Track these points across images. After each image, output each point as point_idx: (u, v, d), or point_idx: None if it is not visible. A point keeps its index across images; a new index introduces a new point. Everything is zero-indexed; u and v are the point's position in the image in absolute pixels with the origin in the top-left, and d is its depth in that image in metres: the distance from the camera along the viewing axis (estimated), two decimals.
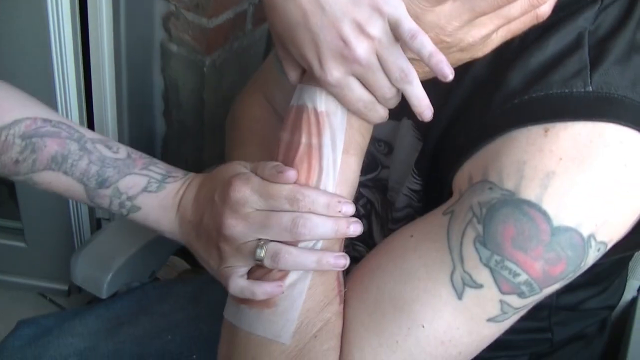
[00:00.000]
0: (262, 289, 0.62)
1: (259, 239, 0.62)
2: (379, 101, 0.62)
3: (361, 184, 0.84)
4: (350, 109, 0.62)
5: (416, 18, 0.57)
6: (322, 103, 0.62)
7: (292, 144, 0.64)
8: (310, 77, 0.63)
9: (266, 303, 0.62)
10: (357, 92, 0.61)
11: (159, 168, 0.71)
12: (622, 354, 0.98)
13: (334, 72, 0.59)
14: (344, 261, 0.62)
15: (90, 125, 1.49)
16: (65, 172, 0.67)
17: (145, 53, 1.44)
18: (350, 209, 0.63)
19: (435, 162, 0.69)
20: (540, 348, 0.82)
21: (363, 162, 0.84)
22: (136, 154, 0.71)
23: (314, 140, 0.63)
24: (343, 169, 0.64)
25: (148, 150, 1.62)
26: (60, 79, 1.34)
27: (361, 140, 0.65)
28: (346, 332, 0.63)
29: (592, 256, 0.59)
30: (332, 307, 0.64)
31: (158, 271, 1.05)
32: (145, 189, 0.69)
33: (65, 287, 1.71)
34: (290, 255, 0.61)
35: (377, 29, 0.57)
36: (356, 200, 0.86)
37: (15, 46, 1.30)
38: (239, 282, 0.63)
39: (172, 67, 1.45)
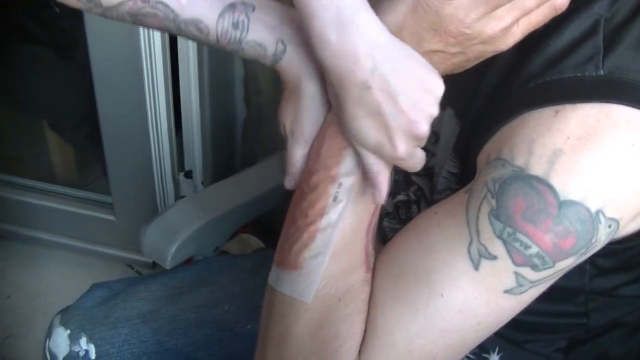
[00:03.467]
0: None
1: None
2: None
3: (414, 173, 0.88)
4: (411, 170, 0.67)
5: (436, 12, 0.59)
6: None
7: (328, 123, 0.68)
8: None
9: (294, 265, 0.67)
10: (419, 157, 0.66)
11: (246, 52, 0.69)
12: None
13: (403, 148, 0.63)
14: None
15: (177, 111, 1.58)
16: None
17: None
18: None
19: (469, 145, 0.72)
20: (576, 333, 0.82)
21: None
22: (225, 39, 0.68)
23: None
24: None
25: (229, 133, 1.71)
26: (149, 69, 1.44)
27: None
28: (372, 299, 0.67)
29: (604, 232, 0.60)
30: (358, 275, 0.67)
31: (222, 246, 1.11)
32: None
33: (151, 260, 1.79)
34: None
35: (435, 108, 0.62)
36: (408, 187, 0.90)
37: (106, 35, 1.40)
38: None
39: None
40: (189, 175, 1.69)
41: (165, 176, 1.68)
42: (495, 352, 0.84)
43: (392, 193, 0.93)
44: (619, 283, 0.78)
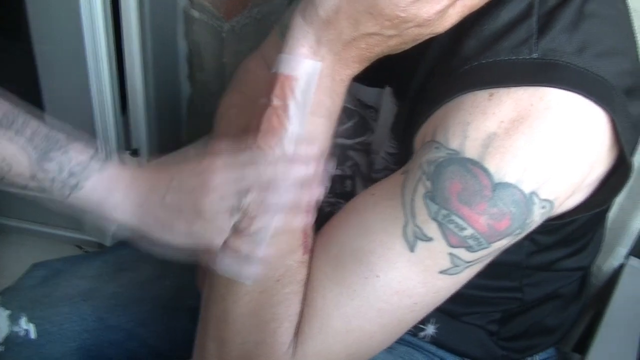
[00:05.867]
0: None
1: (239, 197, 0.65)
2: None
3: (350, 147, 0.89)
4: None
5: None
6: (292, 69, 0.65)
7: (265, 106, 0.67)
8: (286, 48, 0.66)
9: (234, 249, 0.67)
10: None
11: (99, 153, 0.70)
12: (599, 320, 0.99)
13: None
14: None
15: (122, 89, 1.57)
16: (12, 137, 0.65)
17: (169, 19, 1.50)
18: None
19: (407, 126, 0.73)
20: (511, 306, 0.85)
21: (355, 126, 0.87)
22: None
23: (280, 102, 0.66)
24: (310, 130, 0.66)
25: (174, 110, 1.70)
26: (92, 48, 1.42)
27: (330, 103, 0.67)
28: (311, 281, 0.67)
29: (538, 213, 0.61)
30: (295, 256, 0.68)
31: None
32: (88, 167, 0.68)
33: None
34: (272, 197, 0.65)
35: None
36: (343, 161, 0.91)
37: (48, 14, 1.38)
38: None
39: (194, 32, 1.50)
40: (135, 153, 1.68)
41: (111, 155, 1.66)
42: (432, 323, 0.86)
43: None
44: (557, 257, 0.80)
